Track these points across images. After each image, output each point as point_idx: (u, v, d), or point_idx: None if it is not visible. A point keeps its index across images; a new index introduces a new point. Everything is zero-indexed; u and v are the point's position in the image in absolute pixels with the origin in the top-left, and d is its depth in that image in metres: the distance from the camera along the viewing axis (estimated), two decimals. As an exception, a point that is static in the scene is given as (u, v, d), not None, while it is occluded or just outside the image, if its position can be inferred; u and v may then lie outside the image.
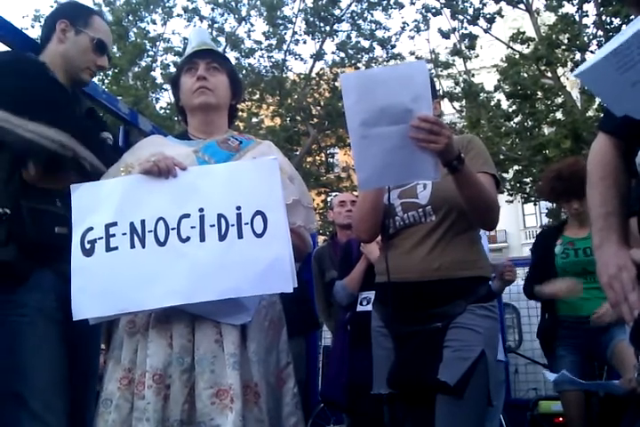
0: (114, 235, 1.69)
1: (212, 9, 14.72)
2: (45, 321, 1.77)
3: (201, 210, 1.68)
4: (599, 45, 11.33)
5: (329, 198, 14.66)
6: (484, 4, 13.11)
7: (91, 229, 1.71)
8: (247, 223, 1.66)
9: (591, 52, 11.34)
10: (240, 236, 1.65)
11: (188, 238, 1.66)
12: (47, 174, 1.80)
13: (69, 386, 1.84)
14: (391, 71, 1.78)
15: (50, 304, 1.79)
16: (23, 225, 1.73)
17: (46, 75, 1.92)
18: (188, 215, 1.68)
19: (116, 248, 1.68)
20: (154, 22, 15.20)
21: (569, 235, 3.28)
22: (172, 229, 1.67)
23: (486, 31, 13.47)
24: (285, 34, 14.66)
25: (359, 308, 2.95)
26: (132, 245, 1.67)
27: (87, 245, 1.70)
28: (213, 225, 1.67)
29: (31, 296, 1.76)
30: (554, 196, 3.39)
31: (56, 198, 1.83)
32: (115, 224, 1.70)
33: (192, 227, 1.67)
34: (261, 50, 14.76)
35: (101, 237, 1.69)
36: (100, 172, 1.87)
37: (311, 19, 14.46)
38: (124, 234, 1.68)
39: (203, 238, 1.66)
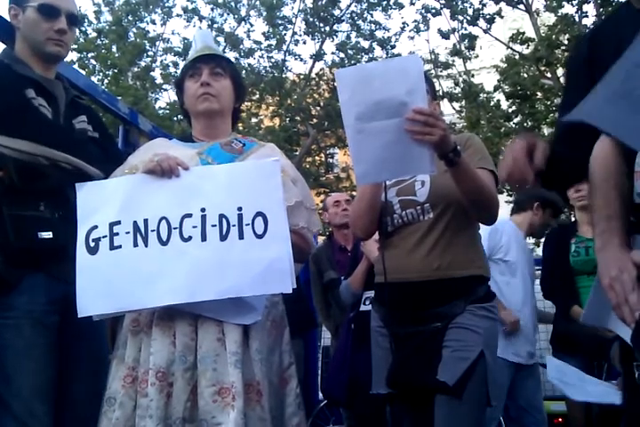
0: (118, 233, 1.71)
1: (212, 9, 14.75)
2: (33, 325, 1.77)
3: (203, 210, 1.70)
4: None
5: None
6: (484, 5, 13.14)
7: (95, 227, 1.73)
8: (248, 224, 1.68)
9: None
10: (241, 236, 1.67)
11: (189, 238, 1.68)
12: (28, 180, 1.78)
13: (76, 387, 1.84)
14: (385, 65, 1.78)
15: (39, 308, 1.79)
16: (5, 232, 1.73)
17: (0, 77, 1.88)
18: (190, 215, 1.70)
19: (120, 247, 1.70)
20: (153, 22, 15.24)
21: (583, 234, 3.26)
22: (175, 228, 1.69)
23: (486, 32, 13.49)
24: (285, 34, 14.67)
25: (362, 307, 2.96)
26: (136, 244, 1.70)
27: (92, 244, 1.72)
28: (215, 225, 1.68)
29: (20, 299, 1.76)
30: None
31: (40, 202, 1.82)
32: (118, 223, 1.72)
33: (194, 226, 1.69)
34: (261, 50, 14.78)
35: (105, 236, 1.72)
36: (83, 170, 1.84)
37: (311, 19, 14.47)
38: (128, 233, 1.71)
39: (204, 238, 1.68)
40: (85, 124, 2.02)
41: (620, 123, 1.09)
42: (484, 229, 3.41)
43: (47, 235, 1.79)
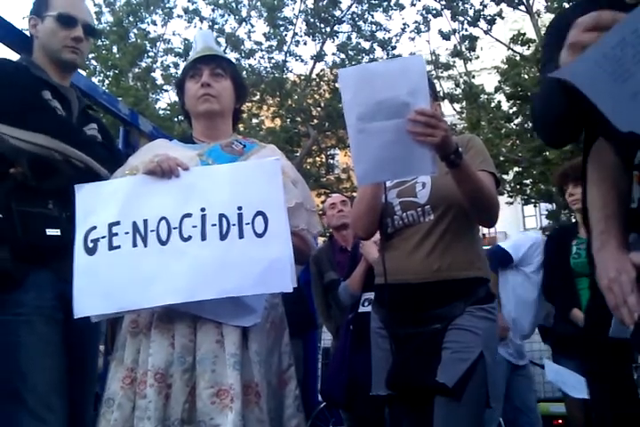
0: (117, 234, 1.71)
1: (213, 10, 14.74)
2: (43, 320, 1.78)
3: (203, 209, 1.70)
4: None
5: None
6: (485, 6, 13.12)
7: (94, 228, 1.73)
8: (248, 223, 1.68)
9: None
10: (241, 235, 1.67)
11: (189, 238, 1.68)
12: (40, 176, 1.80)
13: (68, 386, 1.84)
14: (388, 65, 1.77)
15: (47, 303, 1.80)
16: (14, 228, 1.74)
17: (19, 76, 1.92)
18: (189, 215, 1.70)
19: (119, 247, 1.70)
20: (154, 23, 15.22)
21: (583, 235, 3.26)
22: (174, 228, 1.69)
23: (487, 33, 13.48)
24: (286, 35, 14.67)
25: (361, 309, 2.96)
26: (135, 244, 1.69)
27: (90, 244, 1.72)
28: (215, 225, 1.68)
29: (28, 296, 1.77)
30: (564, 179, 3.36)
31: (49, 200, 1.84)
32: (118, 223, 1.72)
33: (194, 226, 1.69)
34: (262, 51, 14.77)
35: (104, 236, 1.72)
36: (94, 169, 1.88)
37: (312, 20, 14.46)
38: (127, 233, 1.71)
39: (204, 238, 1.68)
40: (95, 131, 2.06)
41: (600, 87, 1.06)
42: (527, 237, 3.44)
43: (54, 232, 1.81)
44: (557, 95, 1.29)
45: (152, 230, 1.69)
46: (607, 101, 1.08)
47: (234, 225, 1.68)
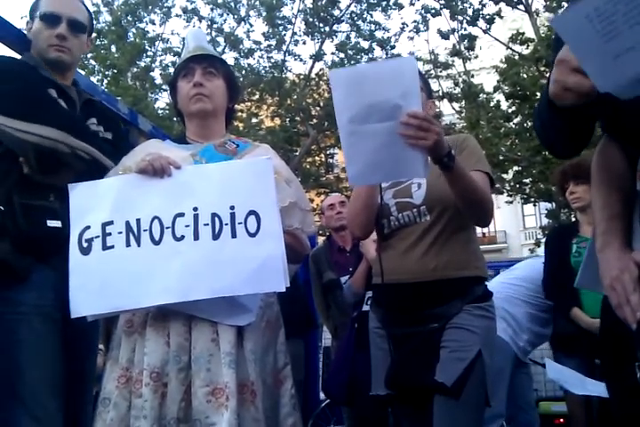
0: (110, 234, 1.72)
1: (212, 9, 14.76)
2: (42, 319, 1.78)
3: (195, 209, 1.70)
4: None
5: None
6: (484, 5, 13.15)
7: (88, 227, 1.74)
8: (241, 223, 1.68)
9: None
10: (234, 235, 1.67)
11: (182, 237, 1.68)
12: (47, 169, 1.81)
13: (65, 386, 1.84)
14: (380, 67, 1.75)
15: (47, 302, 1.80)
16: (15, 220, 1.75)
17: (27, 73, 1.93)
18: (182, 214, 1.70)
19: (113, 247, 1.71)
20: (153, 22, 15.26)
21: (584, 234, 3.27)
22: (167, 227, 1.69)
23: (486, 32, 13.50)
24: (285, 34, 14.68)
25: (365, 307, 2.97)
26: (128, 244, 1.70)
27: (84, 244, 1.72)
28: (207, 224, 1.68)
29: (28, 294, 1.78)
30: (563, 178, 3.37)
31: (50, 193, 1.85)
32: (111, 223, 1.72)
33: (186, 226, 1.69)
34: (261, 50, 14.81)
35: (98, 236, 1.72)
36: (100, 161, 1.89)
37: (311, 19, 14.48)
38: (120, 233, 1.71)
39: (197, 237, 1.68)
40: (95, 126, 2.06)
41: (586, 44, 1.03)
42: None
43: (56, 224, 1.82)
44: (554, 118, 1.26)
45: (145, 230, 1.70)
46: (590, 59, 1.05)
47: (226, 224, 1.68)
